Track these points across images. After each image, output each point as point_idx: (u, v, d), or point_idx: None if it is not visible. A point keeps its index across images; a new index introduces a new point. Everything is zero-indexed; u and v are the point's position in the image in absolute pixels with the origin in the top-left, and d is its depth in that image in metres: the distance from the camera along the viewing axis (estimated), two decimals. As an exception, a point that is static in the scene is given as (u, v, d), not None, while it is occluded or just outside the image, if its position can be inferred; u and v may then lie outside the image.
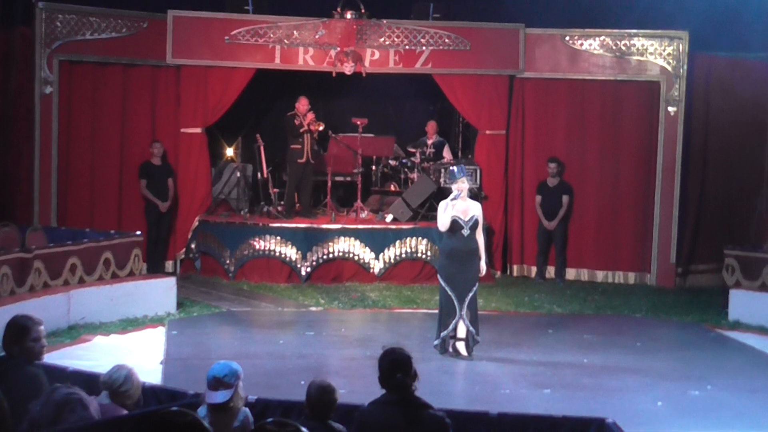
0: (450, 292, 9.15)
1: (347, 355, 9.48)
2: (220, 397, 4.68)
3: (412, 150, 14.72)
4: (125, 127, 13.50)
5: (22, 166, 12.85)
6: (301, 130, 13.51)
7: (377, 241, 13.22)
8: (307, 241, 13.09)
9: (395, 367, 4.73)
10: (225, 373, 4.72)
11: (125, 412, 4.90)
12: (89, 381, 5.64)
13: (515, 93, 14.22)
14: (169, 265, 13.77)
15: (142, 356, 8.84)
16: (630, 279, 14.00)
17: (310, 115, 13.58)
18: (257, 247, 13.08)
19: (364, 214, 13.70)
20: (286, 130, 13.72)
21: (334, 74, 13.58)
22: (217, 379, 4.71)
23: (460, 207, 9.16)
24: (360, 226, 13.31)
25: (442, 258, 9.45)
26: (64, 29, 12.84)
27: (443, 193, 12.73)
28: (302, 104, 13.66)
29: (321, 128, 13.74)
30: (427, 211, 13.53)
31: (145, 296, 10.90)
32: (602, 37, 13.87)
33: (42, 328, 5.37)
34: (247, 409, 4.95)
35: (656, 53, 13.76)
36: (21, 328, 5.28)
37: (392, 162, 14.73)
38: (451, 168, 9.58)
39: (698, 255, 14.08)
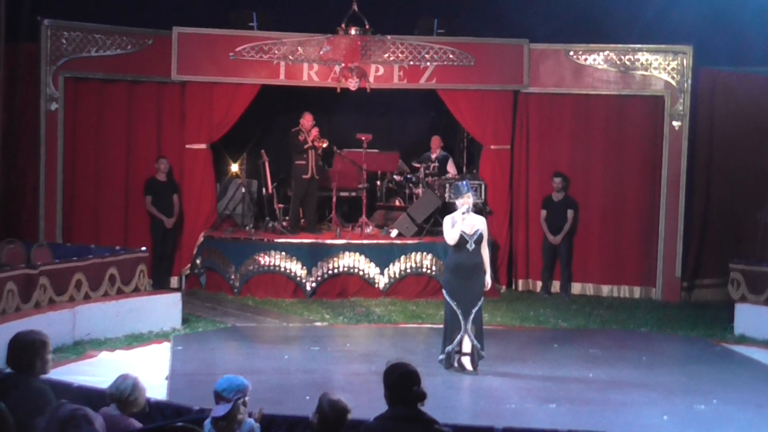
0: (455, 307, 9.15)
1: (352, 370, 9.47)
2: (219, 410, 4.78)
3: (417, 165, 14.72)
4: (130, 143, 13.54)
5: (27, 182, 12.89)
6: (306, 146, 13.54)
7: (382, 256, 13.21)
8: (312, 256, 13.10)
9: (409, 381, 4.73)
10: (224, 387, 4.81)
11: (133, 422, 4.92)
12: (94, 397, 5.65)
13: (519, 108, 14.23)
14: (174, 280, 13.78)
15: (147, 372, 8.80)
16: (635, 293, 13.98)
17: (315, 131, 13.61)
18: (262, 262, 13.08)
19: (368, 230, 13.69)
20: (291, 146, 13.75)
21: (338, 90, 13.58)
22: (217, 392, 4.82)
23: (465, 221, 9.16)
24: (365, 242, 13.31)
25: (447, 273, 9.45)
26: (69, 46, 12.89)
27: (447, 208, 12.75)
28: (306, 120, 13.70)
29: (325, 145, 13.76)
30: (431, 226, 13.54)
31: (150, 312, 10.90)
32: (606, 52, 13.90)
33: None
34: (252, 421, 4.98)
35: (660, 68, 13.77)
36: (41, 343, 5.27)
37: (397, 177, 14.75)
38: (456, 183, 9.58)
39: (704, 269, 14.06)
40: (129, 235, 13.43)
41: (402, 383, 4.74)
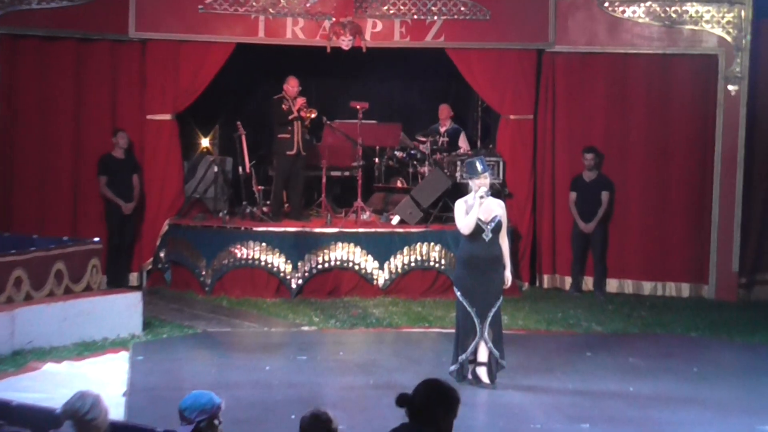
0: (469, 308, 9.11)
1: (346, 383, 9.44)
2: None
3: (422, 139, 14.68)
4: (80, 113, 13.48)
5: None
6: (290, 117, 13.50)
7: (381, 248, 13.19)
8: (298, 248, 13.07)
9: (447, 404, 4.71)
10: (186, 405, 4.76)
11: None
12: (38, 417, 5.59)
13: (544, 70, 14.19)
14: (133, 277, 13.77)
15: (101, 387, 8.73)
16: (683, 291, 13.96)
17: (301, 100, 13.57)
18: (239, 255, 13.05)
19: (365, 216, 13.67)
20: (273, 117, 13.71)
21: (328, 50, 13.54)
22: (179, 411, 4.79)
23: (482, 207, 9.11)
24: (361, 230, 13.29)
25: (459, 267, 9.41)
26: (5, -3, 12.84)
27: (459, 190, 12.69)
28: (291, 86, 13.65)
29: (314, 115, 13.72)
30: (440, 211, 13.50)
31: (104, 315, 10.84)
32: (648, 3, 13.84)
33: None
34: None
35: (713, 21, 13.71)
36: None
37: (398, 153, 14.71)
38: (469, 160, 9.51)
39: (765, 263, 14.02)
40: (79, 223, 13.39)
41: (430, 403, 4.68)
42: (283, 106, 13.56)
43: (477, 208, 9.05)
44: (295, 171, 13.74)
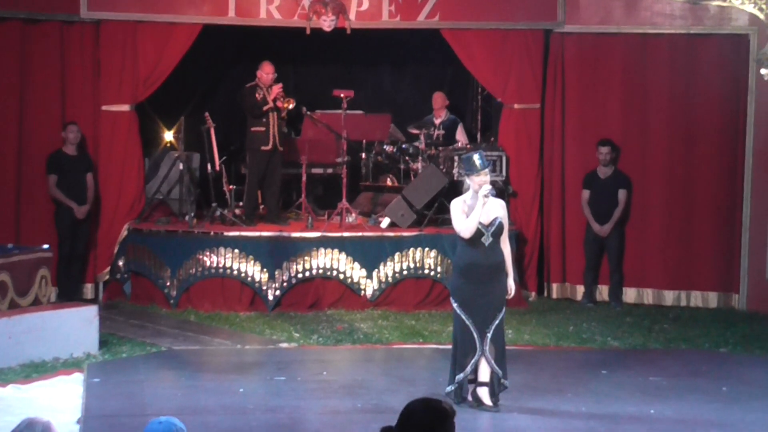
0: (467, 321, 9.13)
1: (330, 407, 9.44)
2: None
3: (415, 132, 14.72)
4: (24, 104, 13.48)
5: None
6: (265, 108, 13.52)
7: (370, 254, 13.24)
8: (275, 255, 13.10)
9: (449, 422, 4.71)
10: None
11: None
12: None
13: (553, 53, 14.25)
14: (88, 289, 13.78)
15: (52, 413, 8.75)
16: (711, 302, 14.01)
17: (277, 88, 13.60)
18: (208, 263, 13.08)
19: (351, 218, 13.69)
20: (245, 107, 13.74)
21: (308, 31, 13.55)
22: None
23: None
24: (346, 234, 13.33)
25: (456, 275, 9.43)
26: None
27: (456, 188, 12.73)
28: (266, 72, 13.68)
29: (292, 105, 13.75)
30: (435, 213, 13.54)
31: (55, 332, 10.85)
32: (670, -24, 13.93)
33: None
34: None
35: (743, -4, 13.80)
36: None
37: (388, 148, 14.74)
38: (468, 155, 9.54)
39: (803, 269, 14.10)
40: (24, 229, 13.40)
41: (426, 424, 4.69)
42: (257, 95, 13.57)
43: (479, 209, 9.06)
44: (271, 168, 13.75)
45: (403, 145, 14.64)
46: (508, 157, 14.02)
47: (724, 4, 13.86)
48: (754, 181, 13.80)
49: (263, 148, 13.62)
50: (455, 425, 4.78)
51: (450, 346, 9.58)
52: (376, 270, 13.23)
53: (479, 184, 9.13)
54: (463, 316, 9.15)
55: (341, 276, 13.19)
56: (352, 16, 13.72)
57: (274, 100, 13.56)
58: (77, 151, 13.51)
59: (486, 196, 9.08)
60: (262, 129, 13.60)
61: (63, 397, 9.55)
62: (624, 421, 9.12)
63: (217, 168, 14.05)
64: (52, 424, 5.01)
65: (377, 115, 14.71)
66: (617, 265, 13.96)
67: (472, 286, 9.18)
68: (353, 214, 13.79)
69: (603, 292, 14.08)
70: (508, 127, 14.29)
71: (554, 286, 14.34)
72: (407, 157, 14.52)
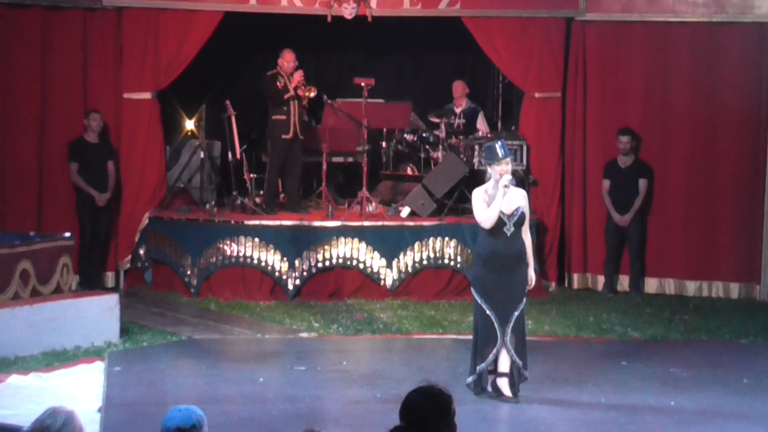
0: (488, 312, 9.13)
1: (350, 396, 9.47)
2: None
3: (436, 120, 14.71)
4: (47, 91, 13.50)
5: None
6: (286, 96, 13.51)
7: (390, 244, 13.24)
8: (295, 244, 13.11)
9: (438, 411, 4.72)
10: (176, 424, 4.75)
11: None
12: (3, 435, 5.64)
13: (574, 42, 14.22)
14: (109, 277, 13.83)
15: (74, 401, 8.79)
16: (732, 292, 13.98)
17: (298, 75, 13.58)
18: (228, 252, 13.10)
19: (371, 208, 13.69)
20: (266, 95, 13.73)
21: (329, 19, 13.54)
22: (162, 429, 4.79)
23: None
24: (366, 224, 13.34)
25: (477, 265, 9.43)
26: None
27: (477, 177, 12.71)
28: (287, 60, 13.66)
29: (313, 94, 13.74)
30: (455, 202, 13.53)
31: (77, 321, 10.88)
32: (692, -36, 13.87)
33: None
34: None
35: (768, -16, 13.74)
36: None
37: (409, 137, 14.73)
38: (489, 144, 9.53)
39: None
40: (46, 216, 13.45)
41: (428, 414, 4.69)
42: (278, 83, 13.55)
43: (500, 198, 9.05)
44: (292, 157, 13.75)
45: (424, 134, 14.63)
46: (529, 146, 14.00)
47: (748, -9, 13.82)
48: (776, 171, 13.78)
49: (284, 136, 13.61)
50: (454, 410, 4.77)
51: (470, 337, 9.61)
52: (396, 259, 13.23)
53: (500, 173, 9.12)
54: (484, 306, 9.15)
55: (361, 265, 13.20)
56: (373, 3, 13.70)
57: (295, 89, 13.54)
58: (99, 138, 13.53)
59: (506, 186, 9.06)
60: (283, 117, 13.59)
61: (84, 386, 9.60)
62: (644, 412, 9.11)
63: (238, 156, 14.06)
64: (75, 414, 5.04)
65: (398, 103, 14.69)
66: (638, 255, 13.94)
67: (493, 276, 9.18)
68: (373, 203, 13.79)
69: (624, 282, 14.06)
70: (529, 116, 14.27)
71: (575, 276, 14.33)
72: (428, 146, 14.51)
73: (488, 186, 9.22)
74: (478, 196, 9.23)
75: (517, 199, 9.21)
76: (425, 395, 4.79)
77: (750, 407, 9.30)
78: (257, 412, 8.92)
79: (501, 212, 9.10)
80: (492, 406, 9.09)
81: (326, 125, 14.15)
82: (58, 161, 13.50)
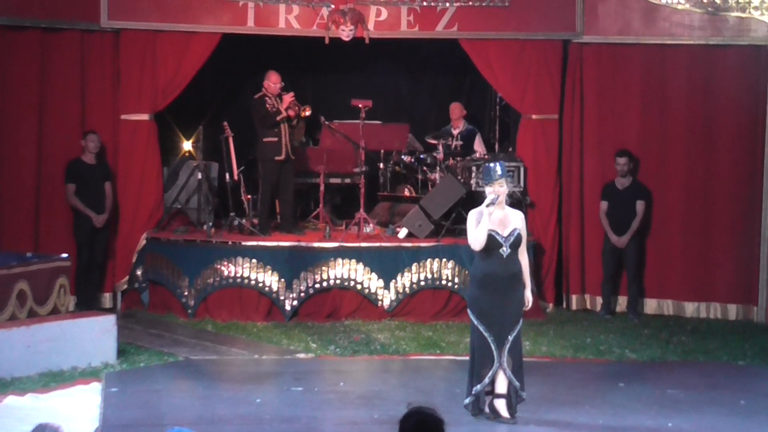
0: (485, 333, 9.12)
1: (347, 418, 9.44)
2: None
3: (433, 142, 14.72)
4: (44, 112, 13.52)
5: None
6: (279, 118, 13.50)
7: (387, 265, 13.25)
8: (292, 264, 13.12)
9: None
10: None
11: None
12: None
13: (571, 64, 14.26)
14: (106, 298, 13.83)
15: (70, 422, 8.79)
16: (730, 313, 13.98)
17: (288, 97, 13.58)
18: (226, 273, 13.11)
19: (368, 229, 13.71)
20: (256, 118, 13.74)
21: (327, 41, 13.57)
22: None
23: (496, 217, 9.13)
24: (363, 245, 13.35)
25: (473, 286, 9.42)
26: (-43, -21, 12.92)
27: (474, 198, 12.73)
28: (273, 82, 13.69)
29: (308, 113, 13.78)
30: (453, 223, 13.54)
31: (74, 341, 10.87)
32: (689, -13, 13.92)
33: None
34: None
35: (763, 7, 13.76)
36: None
37: (406, 158, 14.75)
38: (486, 165, 9.54)
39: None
40: (43, 237, 13.44)
41: None
42: (267, 105, 13.54)
43: (486, 219, 9.02)
44: (284, 178, 13.74)
45: (421, 155, 14.65)
46: (526, 168, 14.02)
47: (743, 15, 13.84)
48: (773, 192, 13.79)
49: (277, 158, 13.60)
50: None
51: (467, 358, 9.58)
52: (394, 280, 13.24)
53: (496, 193, 9.12)
54: (481, 328, 9.13)
55: (358, 286, 13.20)
56: (370, 25, 13.75)
57: (287, 109, 13.56)
58: (96, 159, 13.55)
59: (489, 204, 9.03)
60: (275, 139, 13.58)
61: (81, 407, 9.56)
62: (641, 434, 9.13)
63: (236, 177, 14.08)
64: (62, 429, 5.05)
65: (395, 124, 14.74)
66: (635, 277, 13.95)
67: (489, 297, 9.17)
68: (371, 224, 13.80)
69: (622, 303, 14.07)
70: (526, 138, 14.30)
71: (572, 297, 14.33)
72: (425, 168, 14.53)
73: (483, 207, 9.22)
74: (471, 218, 9.22)
75: (514, 221, 9.20)
76: (417, 420, 4.79)
77: (747, 429, 9.30)
78: (254, 434, 8.94)
79: (497, 234, 9.08)
80: (489, 428, 9.06)
81: (324, 146, 14.19)
82: (56, 182, 13.50)
